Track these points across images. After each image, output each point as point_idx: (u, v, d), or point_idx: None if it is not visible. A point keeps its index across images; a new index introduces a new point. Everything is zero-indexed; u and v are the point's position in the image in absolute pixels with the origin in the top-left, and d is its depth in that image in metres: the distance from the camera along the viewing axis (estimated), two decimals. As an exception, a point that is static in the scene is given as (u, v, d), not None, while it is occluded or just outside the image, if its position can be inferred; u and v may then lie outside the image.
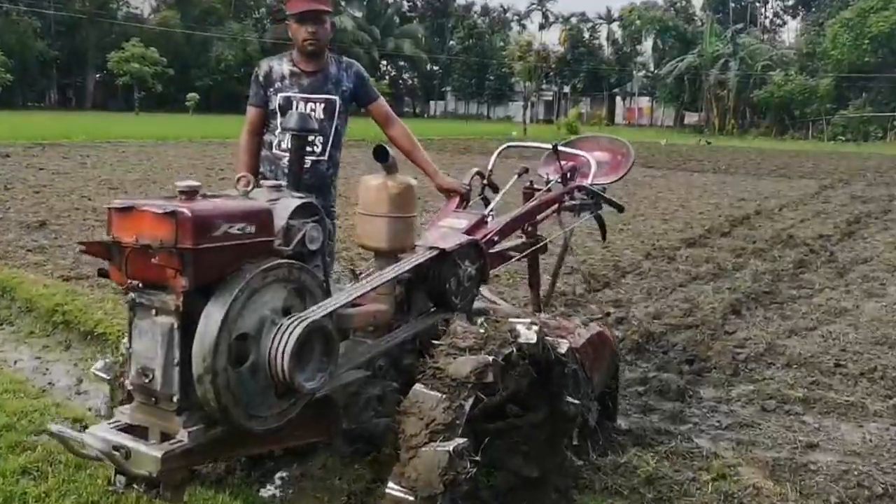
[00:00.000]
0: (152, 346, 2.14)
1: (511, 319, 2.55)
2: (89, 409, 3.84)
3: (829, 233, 9.91)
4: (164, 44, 52.23)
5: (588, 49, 71.70)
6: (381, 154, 2.64)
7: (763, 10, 69.28)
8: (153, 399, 2.17)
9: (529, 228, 3.80)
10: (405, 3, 76.12)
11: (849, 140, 42.42)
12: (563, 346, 2.65)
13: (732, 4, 64.26)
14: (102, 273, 2.21)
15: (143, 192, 12.01)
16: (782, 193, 15.04)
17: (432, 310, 2.86)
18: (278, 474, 3.22)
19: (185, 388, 2.12)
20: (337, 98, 3.63)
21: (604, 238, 4.55)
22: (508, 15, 79.43)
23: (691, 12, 66.49)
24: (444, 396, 2.26)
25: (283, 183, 2.55)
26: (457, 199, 3.64)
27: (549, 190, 3.86)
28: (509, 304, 4.20)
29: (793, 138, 45.84)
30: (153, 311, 2.15)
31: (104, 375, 2.79)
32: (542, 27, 76.85)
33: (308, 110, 3.58)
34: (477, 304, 3.21)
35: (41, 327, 5.13)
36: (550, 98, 73.50)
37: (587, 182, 3.81)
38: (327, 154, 3.63)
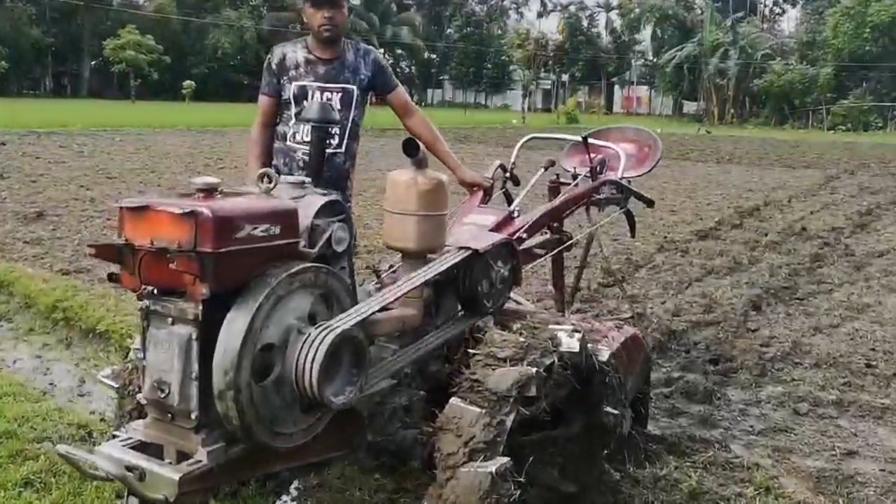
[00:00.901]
0: (168, 358, 1.96)
1: (551, 326, 2.37)
2: (92, 413, 3.67)
3: (842, 225, 9.75)
4: (160, 31, 51.77)
5: (586, 37, 71.19)
6: (410, 147, 2.45)
7: (763, -2, 68.85)
8: (169, 415, 1.99)
9: (555, 225, 3.62)
10: (403, -10, 75.52)
11: (849, 130, 42.24)
12: (605, 354, 2.48)
13: (732, -7, 63.87)
14: (114, 278, 2.03)
15: (142, 182, 11.81)
16: (789, 184, 14.86)
17: (462, 314, 2.68)
18: (294, 484, 3.05)
19: (205, 403, 1.94)
20: (354, 87, 3.43)
21: (633, 234, 4.37)
22: (506, 3, 78.94)
23: (691, 1, 66.10)
24: (483, 412, 2.08)
25: (306, 179, 2.36)
26: (480, 194, 3.45)
27: (576, 184, 3.68)
28: (531, 303, 4.01)
29: (792, 128, 45.66)
30: (169, 320, 1.97)
31: (112, 384, 2.61)
32: (540, 15, 76.38)
33: (324, 100, 3.39)
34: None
35: (41, 324, 4.95)
36: (549, 87, 73.16)
37: (617, 176, 3.62)
38: (344, 146, 3.44)
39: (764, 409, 4.04)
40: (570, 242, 3.60)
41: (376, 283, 2.71)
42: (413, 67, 74.01)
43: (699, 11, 60.68)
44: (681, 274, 6.89)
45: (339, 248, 2.25)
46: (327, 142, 3.36)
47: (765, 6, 68.17)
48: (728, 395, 4.22)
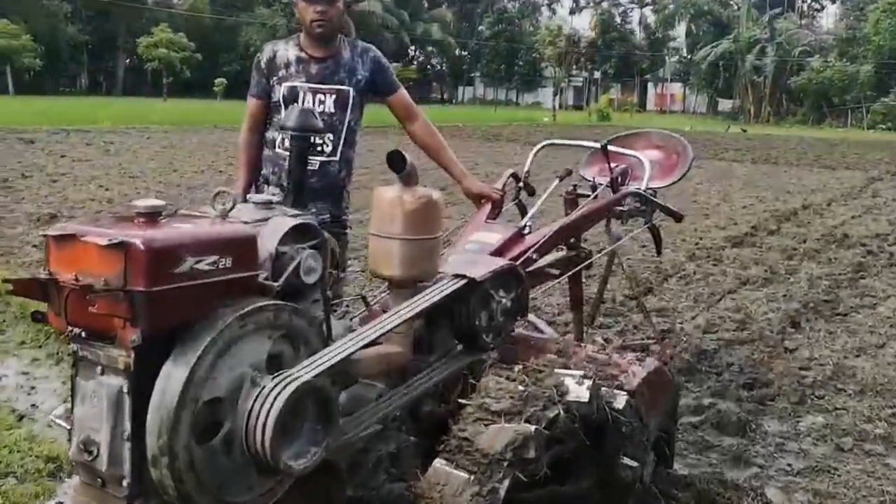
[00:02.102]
0: (97, 413, 1.67)
1: (557, 370, 2.04)
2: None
3: (886, 231, 9.26)
4: (192, 29, 52.04)
5: (619, 34, 70.30)
6: (396, 161, 2.13)
7: (801, -7, 67.37)
8: (99, 480, 1.70)
9: (572, 240, 3.27)
10: (434, -14, 75.15)
11: (889, 128, 41.11)
12: (621, 400, 2.14)
13: (770, -12, 62.59)
14: (38, 317, 1.74)
15: (161, 182, 11.64)
16: (828, 186, 14.30)
17: (458, 349, 2.35)
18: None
19: (139, 468, 1.65)
20: (350, 89, 3.12)
21: (659, 252, 4.01)
22: (539, -1, 78.25)
23: (727, -4, 64.90)
24: (472, 478, 1.77)
25: (274, 198, 2.05)
26: (488, 207, 3.12)
27: (595, 196, 3.34)
28: (545, 322, 3.68)
29: (831, 126, 44.60)
30: (98, 369, 1.67)
31: (65, 425, 2.32)
32: (572, 12, 75.67)
33: (316, 103, 3.09)
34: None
35: (33, 337, 4.71)
36: (580, 84, 72.37)
37: (641, 186, 3.27)
38: (339, 154, 3.13)
39: (803, 444, 3.66)
40: (587, 262, 3.26)
41: (362, 314, 2.39)
42: (444, 65, 73.68)
43: (735, 7, 59.60)
44: (713, 285, 6.49)
45: (310, 280, 1.93)
46: (319, 149, 3.07)
47: (803, 2, 66.75)
48: (764, 426, 3.84)
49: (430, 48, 70.55)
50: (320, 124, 2.34)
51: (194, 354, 1.61)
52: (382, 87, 3.21)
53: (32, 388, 4.06)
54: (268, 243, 1.87)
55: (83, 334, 1.69)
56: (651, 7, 69.87)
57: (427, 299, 2.09)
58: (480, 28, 71.59)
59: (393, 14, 61.03)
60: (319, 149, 3.07)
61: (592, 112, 44.61)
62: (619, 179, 3.25)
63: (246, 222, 1.88)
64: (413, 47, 68.62)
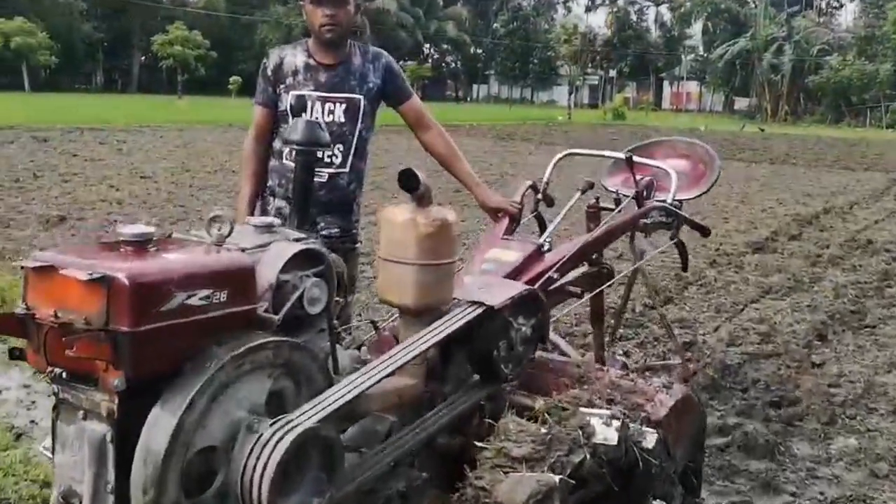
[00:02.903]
0: (78, 462, 1.52)
1: (583, 409, 1.88)
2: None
3: (911, 236, 9.02)
4: (208, 27, 52.08)
5: (635, 32, 69.89)
6: (408, 180, 1.97)
7: (820, -9, 66.69)
8: (81, 535, 1.55)
9: (594, 255, 3.10)
10: (449, -16, 74.91)
11: (909, 128, 40.65)
12: (651, 439, 1.97)
13: (787, -15, 62.00)
14: (16, 355, 1.59)
15: (173, 183, 11.52)
16: (849, 188, 14.05)
17: (475, 380, 2.19)
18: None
19: (124, 523, 1.50)
20: (361, 97, 2.96)
21: (685, 268, 3.83)
22: (554, -3, 77.84)
23: (744, -6, 64.34)
24: (490, 533, 1.60)
25: (275, 221, 1.89)
26: (505, 221, 2.96)
27: (619, 210, 3.17)
28: (562, 339, 3.51)
29: (849, 126, 44.09)
30: (80, 414, 1.53)
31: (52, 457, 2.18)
32: (588, 9, 75.26)
33: (325, 112, 2.93)
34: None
35: (36, 347, 4.58)
36: (596, 82, 71.99)
37: (668, 199, 3.10)
38: (349, 165, 2.97)
39: (836, 469, 3.48)
40: (610, 283, 3.08)
41: (371, 339, 2.23)
42: (459, 63, 73.46)
43: (752, 5, 59.05)
44: (735, 294, 6.30)
45: (314, 310, 1.78)
46: (328, 161, 2.92)
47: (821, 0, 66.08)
48: (793, 448, 3.66)
49: (444, 46, 70.36)
50: (327, 138, 2.19)
51: (184, 399, 1.46)
52: (395, 94, 3.05)
53: (33, 402, 3.93)
54: (268, 272, 1.71)
55: (64, 375, 1.54)
56: (667, 5, 69.37)
57: (441, 330, 1.93)
58: (495, 26, 71.33)
59: (408, 12, 60.91)
60: (328, 160, 2.92)
61: (608, 111, 44.33)
62: (645, 192, 3.07)
63: (244, 249, 1.73)
64: (427, 45, 68.47)
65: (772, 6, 54.64)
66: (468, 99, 70.97)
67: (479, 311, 2.03)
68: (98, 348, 1.42)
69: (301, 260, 1.79)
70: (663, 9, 70.64)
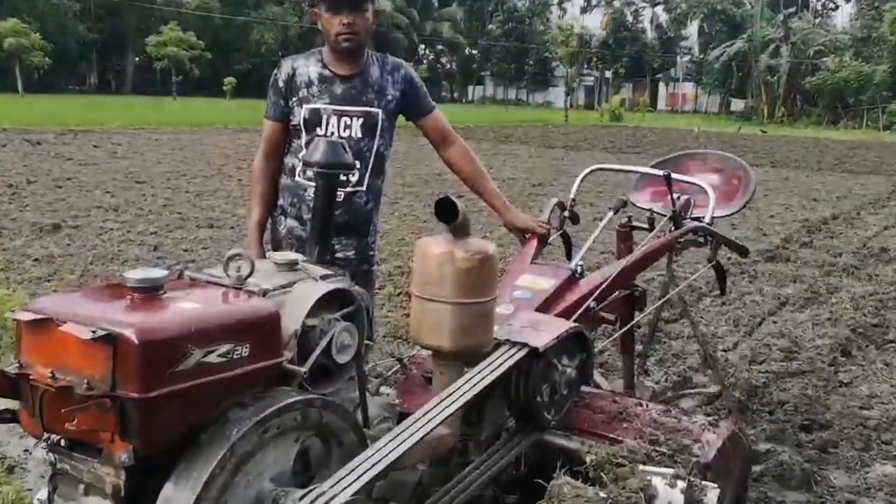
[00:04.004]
0: (80, 545, 1.32)
1: (643, 468, 1.69)
2: None
3: (924, 244, 8.85)
4: (203, 27, 51.78)
5: (631, 33, 69.83)
6: (446, 210, 1.78)
7: (815, -8, 66.68)
8: None
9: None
10: (444, -15, 74.73)
11: (906, 130, 40.54)
12: (712, 496, 1.78)
13: (783, -13, 61.97)
14: (7, 417, 1.39)
15: (169, 188, 11.29)
16: (854, 192, 13.89)
17: (514, 425, 1.99)
18: None
19: None
20: (379, 111, 2.76)
21: (723, 291, 3.63)
22: (549, -2, 77.73)
23: (740, -5, 64.29)
24: None
25: (299, 257, 1.70)
26: (534, 243, 2.76)
27: (652, 226, 2.98)
28: (601, 376, 3.32)
29: (847, 127, 44.01)
30: (81, 488, 1.33)
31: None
32: (583, 10, 75.17)
33: (341, 126, 2.73)
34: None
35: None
36: (591, 83, 71.90)
37: (706, 219, 2.91)
38: (366, 183, 2.78)
39: (876, 500, 3.30)
40: (647, 312, 2.89)
41: (398, 379, 2.04)
42: (454, 64, 73.27)
43: (749, 6, 59.00)
44: (752, 306, 6.11)
45: (344, 359, 1.59)
46: (343, 178, 2.71)
47: (817, 1, 66.10)
48: (830, 477, 3.47)
49: (439, 47, 70.20)
50: (351, 159, 1.99)
51: (202, 474, 1.26)
52: (415, 108, 2.86)
53: (23, 432, 3.71)
54: (293, 317, 1.52)
55: (63, 443, 1.34)
56: (663, 6, 69.29)
57: (482, 378, 1.74)
58: (490, 27, 71.15)
59: (403, 13, 60.69)
60: (345, 178, 2.72)
61: (604, 112, 44.15)
62: (682, 212, 2.88)
63: (266, 291, 1.53)
64: (423, 46, 68.27)
65: (768, 8, 54.55)
66: (464, 100, 70.74)
67: (523, 353, 1.83)
68: (102, 418, 1.22)
69: (330, 301, 1.60)
70: (659, 10, 70.58)
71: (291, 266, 1.64)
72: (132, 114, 27.12)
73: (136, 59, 57.23)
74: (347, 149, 1.99)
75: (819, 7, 65.29)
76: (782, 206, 11.70)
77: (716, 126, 40.82)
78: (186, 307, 1.35)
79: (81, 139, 18.66)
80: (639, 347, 4.06)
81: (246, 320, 1.37)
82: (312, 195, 2.66)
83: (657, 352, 4.93)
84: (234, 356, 1.33)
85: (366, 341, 1.73)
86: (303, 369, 1.49)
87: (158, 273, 1.37)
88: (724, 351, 5.03)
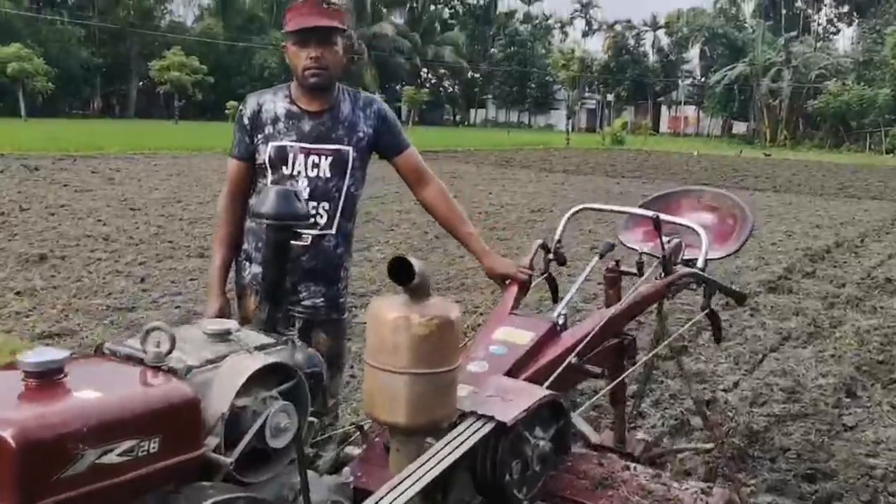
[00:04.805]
0: None
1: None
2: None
3: (930, 274, 8.65)
4: (206, 52, 52.01)
5: (632, 57, 70.08)
6: (401, 270, 1.60)
7: (816, 17, 66.96)
8: None
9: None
10: (446, 10, 75.22)
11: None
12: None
13: (784, 11, 62.24)
14: None
15: (163, 216, 11.14)
16: (857, 218, 13.72)
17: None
18: None
19: None
20: (350, 148, 2.60)
21: (718, 340, 3.44)
22: (551, 22, 78.19)
23: (742, 19, 64.53)
24: None
25: (233, 326, 1.52)
26: (514, 290, 2.58)
27: (641, 271, 2.80)
28: (581, 418, 3.12)
29: (849, 150, 43.93)
30: None
31: None
32: (585, 34, 75.63)
33: (309, 165, 2.57)
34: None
35: None
36: (593, 106, 72.07)
37: (699, 263, 2.73)
38: (335, 226, 2.61)
39: (884, 561, 3.09)
40: (638, 364, 2.71)
41: (356, 451, 1.85)
42: (456, 87, 73.53)
43: (750, 30, 59.20)
44: (753, 341, 5.92)
45: (279, 444, 1.40)
46: (312, 220, 2.55)
47: (818, 25, 66.36)
48: (834, 535, 3.27)
49: (442, 71, 70.44)
50: (304, 210, 1.82)
51: None
52: (388, 145, 2.69)
53: None
54: (220, 398, 1.34)
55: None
56: (664, 30, 69.57)
57: (442, 459, 1.55)
58: (492, 51, 71.49)
59: (405, 37, 61.01)
60: (312, 221, 2.55)
61: (606, 136, 44.12)
62: (672, 257, 2.71)
63: (191, 368, 1.35)
64: (425, 70, 68.53)
65: (769, 31, 54.72)
66: (466, 123, 70.89)
67: (489, 427, 1.65)
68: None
69: (264, 377, 1.42)
70: (661, 34, 70.85)
71: (223, 336, 1.46)
72: (133, 138, 27.09)
73: (140, 83, 57.48)
74: (301, 198, 1.82)
75: (820, 31, 65.51)
76: (784, 233, 11.52)
77: (717, 149, 40.77)
78: (83, 397, 1.17)
79: (80, 165, 18.60)
80: (634, 387, 3.90)
81: (156, 410, 1.20)
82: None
83: (653, 392, 4.74)
84: (140, 453, 1.15)
85: (312, 419, 1.55)
86: (229, 459, 1.31)
87: (57, 355, 1.20)
88: (724, 391, 4.83)
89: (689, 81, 69.68)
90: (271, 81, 55.72)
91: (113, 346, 1.42)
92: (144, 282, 7.09)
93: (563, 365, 2.18)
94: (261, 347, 1.49)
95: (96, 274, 7.35)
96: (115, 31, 54.15)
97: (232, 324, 1.51)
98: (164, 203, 12.58)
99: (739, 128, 58.91)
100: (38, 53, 42.99)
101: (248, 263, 2.66)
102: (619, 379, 2.64)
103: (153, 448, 1.17)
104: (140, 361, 1.35)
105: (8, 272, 7.27)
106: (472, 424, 1.65)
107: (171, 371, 1.32)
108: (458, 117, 73.32)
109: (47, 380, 1.18)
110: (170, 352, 1.32)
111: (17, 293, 6.53)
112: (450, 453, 1.59)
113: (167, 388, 1.26)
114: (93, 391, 1.19)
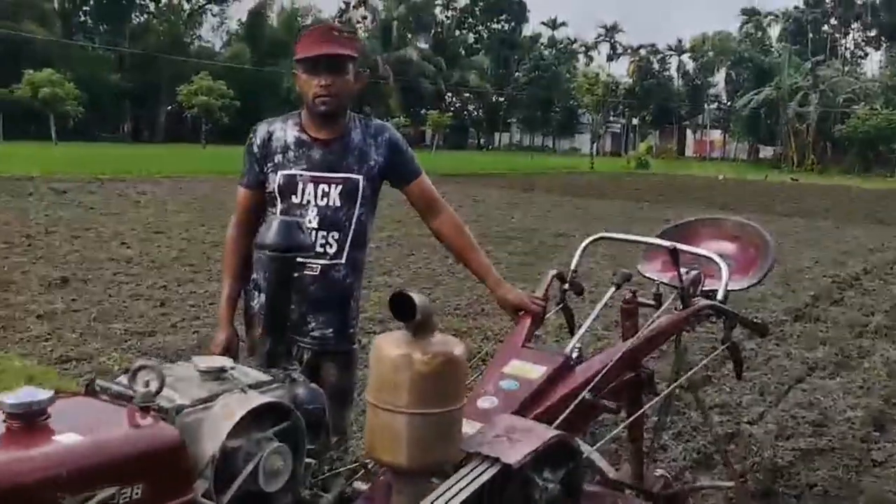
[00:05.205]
0: None
1: None
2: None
3: (962, 303, 8.45)
4: (234, 76, 52.71)
5: (658, 81, 70.03)
6: (403, 306, 1.55)
7: (844, 41, 66.56)
8: None
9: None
10: (471, 34, 75.78)
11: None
12: None
13: (811, 35, 61.91)
14: None
15: (185, 239, 11.21)
16: (887, 245, 13.47)
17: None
18: None
19: None
20: (360, 177, 2.56)
21: (739, 375, 3.35)
22: (575, 46, 78.44)
23: (768, 43, 64.29)
24: None
25: (227, 363, 1.47)
26: (527, 322, 2.52)
27: (659, 302, 2.72)
28: (597, 453, 3.03)
29: (878, 176, 43.38)
30: None
31: None
32: (610, 58, 75.73)
33: (319, 194, 2.54)
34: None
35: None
36: (618, 130, 72.01)
37: (719, 295, 2.65)
38: (345, 255, 2.56)
39: None
40: (656, 400, 2.62)
41: (364, 493, 1.79)
42: (480, 111, 73.84)
43: (776, 54, 58.92)
44: (778, 372, 5.78)
45: (273, 487, 1.35)
46: (321, 250, 2.51)
47: (846, 49, 65.91)
48: (864, 579, 3.14)
49: (466, 95, 70.82)
50: (307, 241, 1.78)
51: None
52: (400, 174, 2.65)
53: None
54: (211, 439, 1.29)
55: None
56: (690, 54, 69.48)
57: (446, 501, 1.49)
58: (517, 75, 71.76)
59: (430, 61, 61.47)
60: (322, 250, 2.52)
61: (631, 159, 43.98)
62: (692, 289, 2.63)
63: (182, 408, 1.31)
64: (449, 94, 68.92)
65: (796, 56, 54.43)
66: (490, 147, 71.08)
67: (494, 470, 1.58)
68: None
69: (259, 416, 1.37)
70: (686, 58, 70.77)
71: (217, 374, 1.42)
72: (160, 162, 27.44)
73: (169, 107, 58.35)
74: (305, 229, 1.78)
75: (848, 55, 65.05)
76: (812, 260, 11.33)
77: (743, 174, 40.46)
78: (64, 441, 1.13)
79: (108, 188, 18.84)
80: (654, 419, 3.80)
81: (140, 455, 1.15)
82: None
83: (674, 424, 4.62)
84: (123, 500, 1.11)
85: (309, 460, 1.49)
86: (221, 502, 1.26)
87: (40, 396, 1.16)
88: (749, 423, 4.71)
89: (714, 105, 69.44)
90: (297, 106, 56.10)
91: (104, 383, 1.38)
92: (164, 306, 7.10)
93: (577, 401, 2.11)
94: (256, 385, 1.44)
95: (117, 297, 7.37)
96: (146, 57, 55.10)
97: (226, 361, 1.46)
98: (187, 226, 12.66)
99: (766, 152, 58.49)
100: (70, 78, 43.81)
101: (256, 293, 2.62)
102: (637, 415, 2.56)
103: (136, 495, 1.12)
104: (130, 400, 1.30)
105: (29, 295, 7.31)
106: (477, 466, 1.59)
107: (161, 411, 1.28)
108: (482, 141, 73.56)
109: (29, 422, 1.14)
110: (159, 391, 1.28)
111: (38, 316, 6.56)
112: (454, 496, 1.53)
113: (153, 431, 1.21)
114: (75, 435, 1.15)
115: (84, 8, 59.70)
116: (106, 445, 1.15)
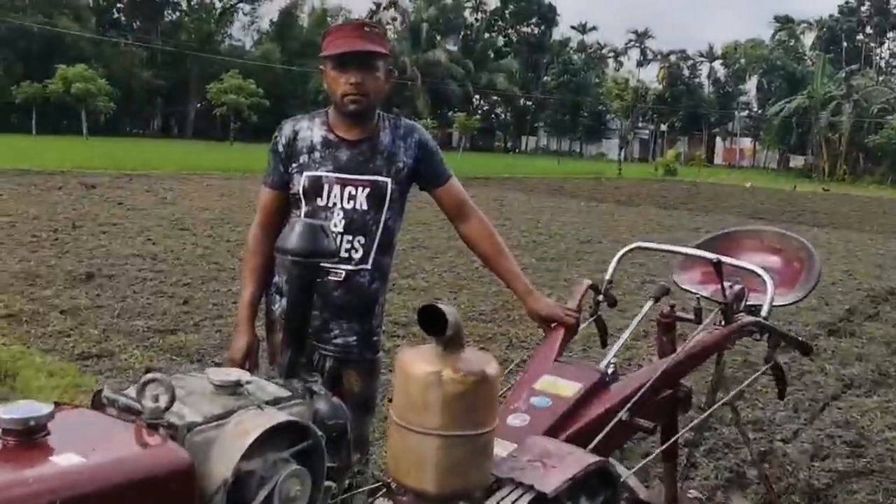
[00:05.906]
0: None
1: None
2: None
3: None
4: (263, 75, 53.04)
5: (688, 87, 69.39)
6: (433, 320, 1.44)
7: (879, 50, 65.57)
8: None
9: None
10: (500, 37, 75.62)
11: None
12: None
13: (845, 44, 61.03)
14: None
15: (211, 237, 11.19)
16: (923, 258, 13.15)
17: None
18: None
19: None
20: (388, 180, 2.46)
21: (782, 395, 3.20)
22: (605, 51, 78.04)
23: (801, 52, 63.49)
24: None
25: (243, 377, 1.37)
26: (560, 333, 2.40)
27: (699, 317, 2.59)
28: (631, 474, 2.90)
29: (913, 187, 42.65)
30: None
31: None
32: (640, 64, 75.22)
33: (345, 197, 2.43)
34: None
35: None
36: (647, 136, 71.45)
37: (764, 312, 2.51)
38: (371, 260, 2.46)
39: None
40: (696, 422, 2.49)
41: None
42: (508, 114, 73.67)
43: (809, 63, 58.18)
44: (813, 388, 5.59)
45: (289, 514, 1.24)
46: (346, 255, 2.41)
47: (880, 58, 64.91)
48: None
49: (494, 98, 70.68)
50: (332, 246, 1.67)
51: None
52: (429, 176, 2.54)
53: None
54: (223, 461, 1.19)
55: None
56: (721, 61, 68.81)
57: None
58: (545, 79, 71.48)
59: (458, 64, 61.41)
60: (347, 255, 2.42)
61: (659, 166, 43.56)
62: (736, 304, 2.50)
63: (193, 425, 1.21)
64: (477, 97, 68.83)
65: (829, 64, 53.66)
66: (517, 150, 70.87)
67: (528, 498, 1.47)
68: None
69: (275, 436, 1.27)
70: (717, 65, 70.11)
71: (232, 388, 1.32)
72: (188, 158, 27.61)
73: (198, 105, 58.85)
74: (329, 233, 1.68)
75: (883, 64, 64.05)
76: (845, 273, 11.06)
77: (773, 183, 39.93)
78: (62, 462, 1.03)
79: (136, 183, 18.95)
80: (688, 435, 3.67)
81: (144, 479, 1.05)
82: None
83: (707, 440, 4.47)
84: (121, 530, 1.01)
85: (329, 483, 1.39)
86: (230, 533, 1.16)
87: (40, 411, 1.06)
88: (783, 442, 4.54)
89: (745, 113, 68.69)
90: (324, 105, 56.18)
91: (112, 394, 1.29)
92: (187, 304, 7.06)
93: (613, 422, 1.99)
94: (274, 402, 1.34)
95: (141, 294, 7.34)
96: (177, 54, 55.63)
97: (242, 374, 1.36)
98: (213, 224, 12.67)
99: (797, 161, 57.71)
100: (102, 74, 44.32)
101: (278, 297, 2.53)
102: (676, 438, 2.43)
103: (139, 523, 1.03)
104: (138, 415, 1.21)
105: (54, 290, 7.30)
106: (509, 494, 1.48)
107: (171, 427, 1.18)
108: (509, 144, 73.35)
109: (27, 439, 1.04)
110: (168, 407, 1.18)
111: (62, 312, 6.54)
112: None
113: (159, 454, 1.11)
114: (74, 454, 1.05)
115: (118, 4, 60.41)
116: (107, 468, 1.05)
